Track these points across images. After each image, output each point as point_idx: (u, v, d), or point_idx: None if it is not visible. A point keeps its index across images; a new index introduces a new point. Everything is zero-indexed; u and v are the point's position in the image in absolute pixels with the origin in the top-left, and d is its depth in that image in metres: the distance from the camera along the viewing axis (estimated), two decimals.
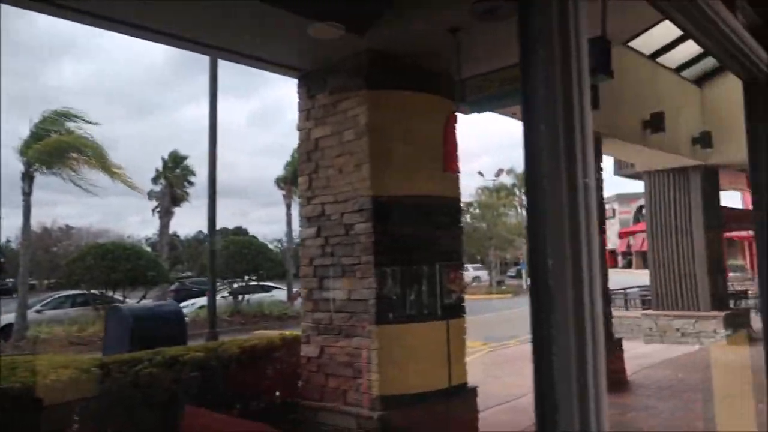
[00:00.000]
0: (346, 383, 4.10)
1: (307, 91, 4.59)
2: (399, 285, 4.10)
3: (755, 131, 3.40)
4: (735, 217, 10.64)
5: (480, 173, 27.63)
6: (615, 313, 12.52)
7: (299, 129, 4.66)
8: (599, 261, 1.40)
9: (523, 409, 5.53)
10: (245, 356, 4.28)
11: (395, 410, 3.89)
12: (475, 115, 7.32)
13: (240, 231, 32.38)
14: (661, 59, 7.91)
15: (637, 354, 9.15)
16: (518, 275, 29.56)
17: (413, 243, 4.16)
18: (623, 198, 40.79)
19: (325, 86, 4.47)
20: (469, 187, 28.86)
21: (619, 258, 43.46)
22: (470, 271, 30.04)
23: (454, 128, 3.80)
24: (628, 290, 14.46)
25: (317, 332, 4.37)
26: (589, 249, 1.40)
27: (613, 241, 42.22)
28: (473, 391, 4.38)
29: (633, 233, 18.90)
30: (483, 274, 30.06)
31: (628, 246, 39.48)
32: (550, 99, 1.43)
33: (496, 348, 9.64)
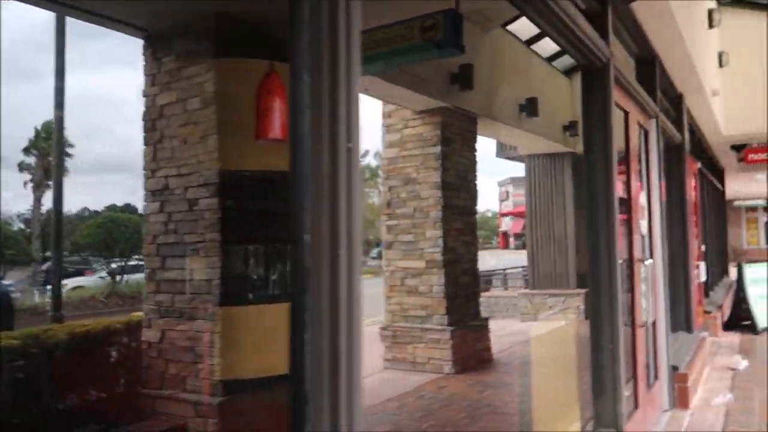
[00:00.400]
0: (187, 369, 3.85)
1: (153, 53, 4.21)
2: (246, 264, 3.89)
3: (589, 116, 3.50)
4: None
5: None
6: (494, 292, 13.12)
7: (144, 95, 4.27)
8: (358, 238, 1.26)
9: (367, 390, 5.59)
10: (76, 343, 3.89)
11: (238, 396, 3.70)
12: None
13: (129, 208, 30.42)
14: (535, 47, 8.15)
15: (511, 332, 9.58)
16: (380, 256, 30.16)
17: (262, 220, 3.95)
18: (518, 181, 42.79)
19: (171, 49, 4.11)
20: None
21: (512, 239, 45.68)
22: None
23: (269, 91, 3.60)
24: (508, 270, 15.20)
25: (159, 315, 4.06)
26: (349, 224, 1.26)
27: (506, 223, 44.26)
28: None
29: (513, 214, 19.75)
30: None
31: (525, 227, 41.49)
32: (314, 55, 1.26)
33: None
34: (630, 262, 3.92)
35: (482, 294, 12.09)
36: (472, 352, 6.93)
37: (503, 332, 9.35)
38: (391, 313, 7.11)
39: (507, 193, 45.73)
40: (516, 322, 10.59)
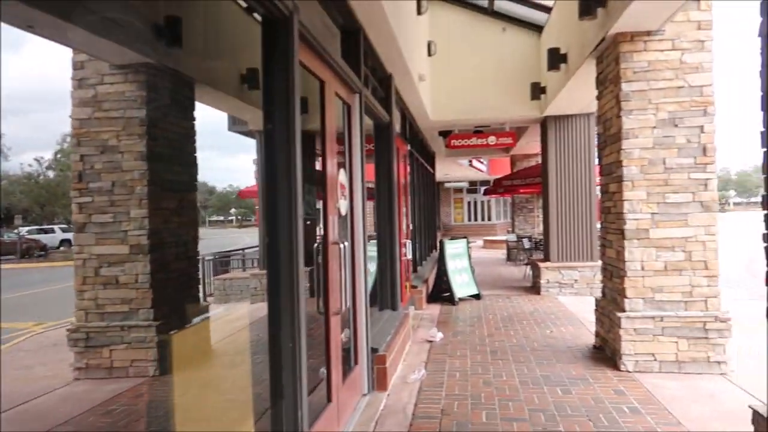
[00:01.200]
0: None
1: None
2: None
3: (269, 77, 3.04)
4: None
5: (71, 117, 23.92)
6: (232, 274, 12.40)
7: None
8: None
9: (39, 414, 4.47)
10: None
11: None
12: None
13: None
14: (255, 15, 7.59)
15: (238, 316, 9.04)
16: None
17: None
18: None
19: None
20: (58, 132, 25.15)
21: None
22: (58, 233, 25.87)
23: None
24: (247, 250, 14.54)
25: None
26: None
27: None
28: None
29: (248, 194, 19.15)
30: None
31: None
32: None
33: (50, 328, 8.14)
34: (324, 245, 3.63)
35: (220, 277, 11.33)
36: (185, 346, 6.19)
37: (229, 317, 8.78)
38: (84, 311, 5.92)
39: None
40: (247, 305, 10.12)
